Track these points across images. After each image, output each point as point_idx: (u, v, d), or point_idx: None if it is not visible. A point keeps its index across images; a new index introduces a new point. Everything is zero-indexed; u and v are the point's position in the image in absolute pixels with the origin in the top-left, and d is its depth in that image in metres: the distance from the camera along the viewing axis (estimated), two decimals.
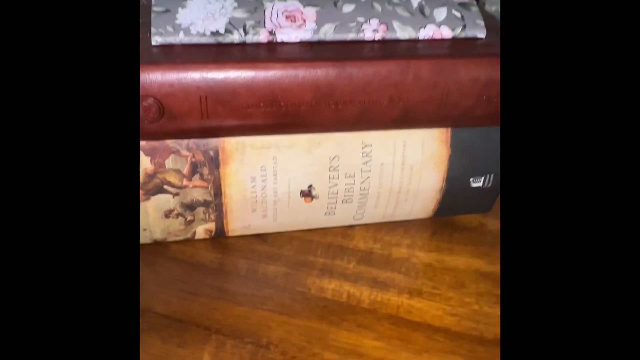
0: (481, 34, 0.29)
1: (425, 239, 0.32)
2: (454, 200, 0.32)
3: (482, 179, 0.32)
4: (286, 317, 0.27)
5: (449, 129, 0.30)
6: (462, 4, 0.29)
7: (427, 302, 0.28)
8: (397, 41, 0.28)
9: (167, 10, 0.27)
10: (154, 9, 0.27)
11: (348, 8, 0.28)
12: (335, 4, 0.28)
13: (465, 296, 0.29)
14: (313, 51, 0.26)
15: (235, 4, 0.27)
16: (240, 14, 0.27)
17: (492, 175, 0.32)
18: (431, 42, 0.28)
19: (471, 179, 0.31)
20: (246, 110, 0.26)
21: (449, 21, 0.28)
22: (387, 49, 0.27)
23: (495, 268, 0.30)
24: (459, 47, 0.28)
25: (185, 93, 0.25)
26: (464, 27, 0.28)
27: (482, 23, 0.29)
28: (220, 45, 0.26)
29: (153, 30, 0.26)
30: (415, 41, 0.28)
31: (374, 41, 0.28)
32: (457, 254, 0.31)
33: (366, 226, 0.33)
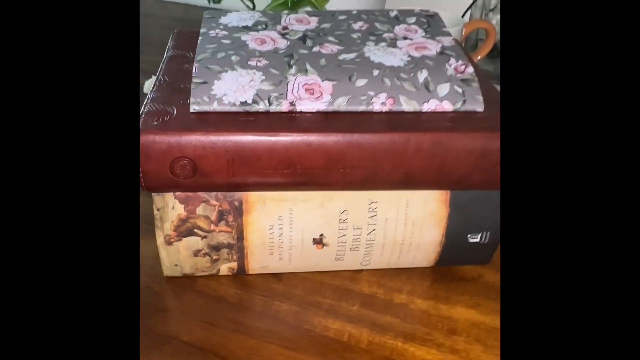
0: (480, 108, 0.32)
1: (425, 287, 0.35)
2: (453, 253, 0.35)
3: (479, 235, 0.35)
4: (293, 353, 0.30)
5: (449, 191, 0.33)
6: (464, 80, 0.33)
7: (420, 346, 0.31)
8: (403, 113, 0.32)
9: (204, 82, 0.31)
10: (194, 80, 0.31)
11: (361, 82, 0.32)
12: (350, 79, 0.32)
13: (457, 344, 0.32)
14: (327, 121, 0.30)
15: (263, 77, 0.32)
16: (266, 86, 0.31)
17: (488, 232, 0.35)
18: (433, 114, 0.32)
19: (469, 235, 0.35)
20: (266, 171, 0.30)
21: (450, 96, 0.32)
22: (393, 120, 0.31)
23: (487, 318, 0.33)
24: (457, 121, 0.31)
25: (215, 155, 0.29)
26: (464, 101, 0.32)
27: (480, 98, 0.32)
28: (247, 113, 0.31)
29: (192, 99, 0.30)
30: (419, 113, 0.32)
31: (381, 112, 0.32)
32: (453, 302, 0.34)
33: (372, 271, 0.36)
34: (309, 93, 0.31)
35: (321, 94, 0.31)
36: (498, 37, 0.62)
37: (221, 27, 0.37)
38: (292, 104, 0.31)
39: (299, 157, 0.30)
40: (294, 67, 0.32)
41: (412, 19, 0.39)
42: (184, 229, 0.33)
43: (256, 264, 0.35)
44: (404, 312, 0.33)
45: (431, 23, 0.39)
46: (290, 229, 0.33)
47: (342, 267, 0.36)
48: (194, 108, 0.30)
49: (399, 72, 0.33)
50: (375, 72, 0.33)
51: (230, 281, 0.35)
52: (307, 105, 0.31)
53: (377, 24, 0.38)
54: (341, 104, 0.31)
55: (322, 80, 0.32)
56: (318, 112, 0.31)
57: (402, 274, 0.36)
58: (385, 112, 0.32)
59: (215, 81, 0.31)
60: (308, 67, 0.33)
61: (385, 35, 0.36)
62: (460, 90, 0.32)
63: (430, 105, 0.32)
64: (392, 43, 0.36)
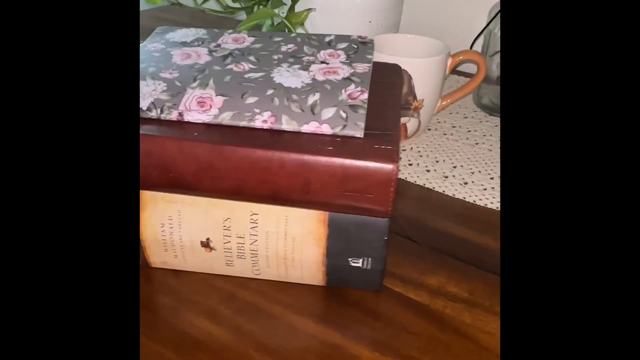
0: (358, 134, 0.33)
1: (305, 303, 0.36)
2: (339, 274, 0.36)
3: (361, 260, 0.35)
4: (147, 340, 0.33)
5: (328, 212, 0.34)
6: (352, 106, 0.34)
7: (271, 357, 0.32)
8: (282, 132, 0.33)
9: None
10: None
11: (251, 100, 0.34)
12: (242, 96, 0.34)
13: None
14: (205, 132, 0.33)
15: (165, 88, 0.35)
16: (164, 96, 0.34)
17: (369, 259, 0.35)
18: (311, 136, 0.33)
19: (350, 259, 0.35)
20: (147, 171, 0.33)
21: (332, 120, 0.33)
22: (267, 137, 0.32)
23: (346, 342, 0.33)
24: (330, 144, 0.32)
25: None
26: (344, 126, 0.33)
27: (361, 125, 0.33)
28: (141, 119, 0.34)
29: None
30: (299, 134, 0.33)
31: (262, 129, 0.33)
32: (324, 322, 0.35)
33: (264, 281, 0.38)
34: (200, 105, 0.34)
35: (210, 107, 0.34)
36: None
37: (162, 41, 0.41)
38: (180, 114, 0.34)
39: (172, 161, 0.32)
40: (198, 81, 0.35)
41: (344, 45, 0.40)
42: None
43: (156, 259, 0.38)
44: (272, 324, 0.34)
45: (360, 49, 0.39)
46: (179, 229, 0.36)
47: (236, 273, 0.38)
48: None
49: (292, 93, 0.34)
50: (269, 92, 0.34)
51: None
52: (194, 116, 0.34)
53: (305, 47, 0.40)
54: (225, 118, 0.33)
55: (216, 95, 0.34)
56: (203, 124, 0.34)
57: (292, 288, 0.37)
58: (266, 130, 0.33)
59: None
60: (210, 82, 0.35)
61: (305, 58, 0.38)
62: (344, 115, 0.33)
63: (310, 127, 0.33)
64: (306, 66, 0.37)
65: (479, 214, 0.45)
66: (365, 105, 0.34)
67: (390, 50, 0.56)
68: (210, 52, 0.39)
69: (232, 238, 0.35)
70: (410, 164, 0.52)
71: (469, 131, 0.59)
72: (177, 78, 0.36)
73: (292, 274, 0.37)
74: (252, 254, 0.36)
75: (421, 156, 0.54)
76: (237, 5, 0.64)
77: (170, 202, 0.35)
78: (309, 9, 0.55)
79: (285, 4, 0.59)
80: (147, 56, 0.38)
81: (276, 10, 0.54)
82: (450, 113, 0.63)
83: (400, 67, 0.43)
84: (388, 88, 0.39)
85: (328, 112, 0.33)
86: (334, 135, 0.33)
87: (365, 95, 0.34)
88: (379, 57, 0.51)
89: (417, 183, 0.49)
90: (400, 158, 0.53)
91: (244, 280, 0.38)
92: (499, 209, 0.46)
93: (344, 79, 0.36)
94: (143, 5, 0.82)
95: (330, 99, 0.34)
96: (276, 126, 0.33)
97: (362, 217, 0.34)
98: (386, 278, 0.38)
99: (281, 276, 0.37)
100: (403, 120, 0.54)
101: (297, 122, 0.33)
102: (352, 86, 0.35)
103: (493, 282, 0.38)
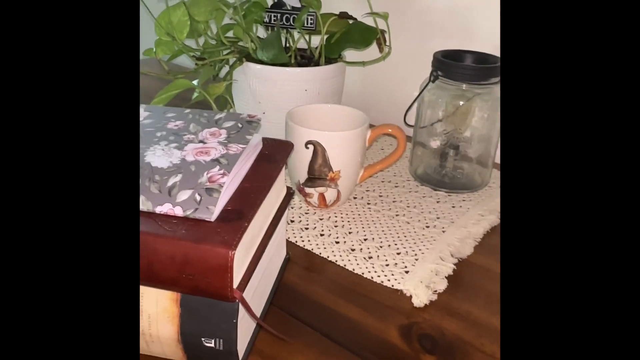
0: (209, 217, 0.34)
1: None
2: (197, 353, 0.36)
3: (213, 341, 0.35)
4: None
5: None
6: (208, 189, 0.35)
7: None
8: (139, 212, 0.34)
9: None
10: None
11: None
12: None
13: None
14: None
15: None
16: None
17: (220, 340, 0.35)
18: (165, 217, 0.34)
19: (203, 339, 0.35)
20: None
21: (186, 202, 0.34)
22: None
23: None
24: (179, 226, 0.33)
25: None
26: (196, 209, 0.34)
27: (213, 209, 0.34)
28: None
29: None
30: (152, 214, 0.34)
31: None
32: None
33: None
34: None
35: None
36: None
37: None
38: None
39: None
40: None
41: (230, 123, 0.42)
42: None
43: None
44: None
45: (244, 128, 0.41)
46: None
47: None
48: None
49: (156, 174, 0.36)
50: None
51: None
52: None
53: (192, 125, 0.41)
54: None
55: None
56: None
57: None
58: None
59: None
60: None
61: (186, 136, 0.40)
62: (198, 198, 0.34)
63: (163, 208, 0.34)
64: (182, 145, 0.38)
65: (372, 292, 0.45)
66: (221, 189, 0.35)
67: (310, 121, 0.57)
68: None
69: None
70: (322, 234, 0.53)
71: (393, 201, 0.59)
72: None
73: (154, 349, 0.37)
74: None
75: (336, 226, 0.54)
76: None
77: None
78: (228, 81, 0.57)
79: (219, 73, 0.62)
80: None
81: (196, 82, 0.56)
82: (382, 181, 0.63)
83: (292, 145, 0.44)
84: (268, 167, 0.40)
85: (184, 195, 0.34)
86: (185, 218, 0.34)
87: (225, 179, 0.35)
88: (295, 129, 0.53)
89: (322, 255, 0.50)
90: (305, 228, 0.54)
91: None
92: (394, 287, 0.46)
93: (212, 160, 0.37)
94: None
95: (190, 181, 0.35)
96: None
97: (211, 300, 0.34)
98: (253, 356, 0.38)
99: (144, 349, 0.37)
100: (320, 190, 0.55)
101: (152, 203, 0.34)
102: (217, 168, 0.36)
103: None
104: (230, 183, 0.36)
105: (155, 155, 0.37)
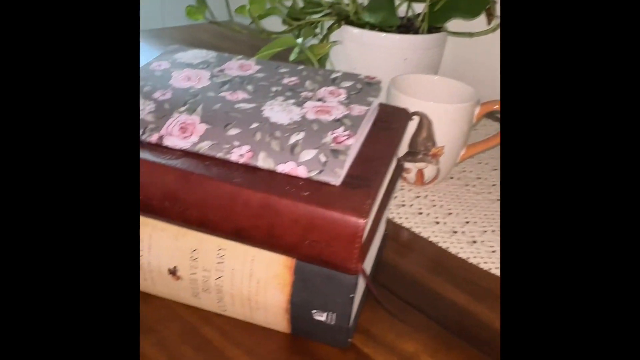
0: (335, 181, 0.31)
1: (266, 349, 0.34)
2: (304, 325, 0.34)
3: (325, 314, 0.33)
4: None
5: (295, 259, 0.32)
6: (334, 150, 0.32)
7: None
8: (257, 169, 0.32)
9: None
10: None
11: (233, 131, 0.33)
12: (225, 126, 0.33)
13: None
14: (179, 160, 0.32)
15: (153, 109, 0.34)
16: (150, 117, 0.34)
17: (334, 314, 0.32)
18: (286, 177, 0.31)
19: (314, 311, 0.33)
20: None
21: (310, 163, 0.31)
22: (240, 173, 0.31)
23: None
24: (302, 188, 0.30)
25: None
26: (321, 171, 0.31)
27: (340, 172, 0.31)
28: None
29: None
30: (274, 173, 0.31)
31: (238, 164, 0.32)
32: None
33: (230, 319, 0.36)
34: (181, 131, 0.33)
35: (191, 134, 0.33)
36: None
37: (169, 61, 0.40)
38: (160, 137, 0.33)
39: (142, 185, 0.32)
40: (187, 105, 0.35)
41: (348, 83, 0.38)
42: None
43: None
44: None
45: (363, 90, 0.38)
46: (149, 253, 0.35)
47: (202, 306, 0.36)
48: None
49: (276, 130, 0.33)
50: (253, 125, 0.33)
51: None
52: (174, 141, 0.33)
53: (307, 82, 0.38)
54: (203, 147, 0.32)
55: (200, 122, 0.33)
56: (181, 150, 0.33)
57: (257, 331, 0.35)
58: (241, 164, 0.32)
59: None
60: (199, 108, 0.34)
61: (303, 93, 0.37)
62: (323, 159, 0.31)
63: (285, 167, 0.31)
64: (301, 102, 0.36)
65: (479, 279, 0.42)
66: (349, 151, 0.32)
67: (414, 92, 0.54)
68: (212, 76, 0.38)
69: (199, 270, 0.34)
70: (420, 213, 0.49)
71: (493, 185, 0.55)
72: (168, 100, 0.35)
73: (257, 317, 0.35)
74: (218, 289, 0.34)
75: (434, 206, 0.51)
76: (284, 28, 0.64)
77: (143, 225, 0.34)
78: (334, 42, 0.54)
79: (319, 33, 0.59)
80: (147, 75, 0.38)
81: (300, 40, 0.53)
82: (479, 163, 0.59)
83: (409, 113, 0.40)
84: (387, 134, 0.37)
85: (307, 154, 0.32)
86: (308, 180, 0.31)
87: (352, 141, 0.32)
88: (400, 99, 0.49)
89: (422, 235, 0.46)
90: (402, 205, 0.50)
91: (209, 314, 0.36)
92: None
93: (335, 120, 0.34)
94: (183, 21, 0.84)
95: (313, 140, 0.32)
96: (252, 162, 0.32)
97: (329, 270, 0.31)
98: (358, 335, 0.36)
99: (246, 317, 0.35)
100: (420, 166, 0.51)
101: (273, 161, 0.32)
102: (341, 129, 0.33)
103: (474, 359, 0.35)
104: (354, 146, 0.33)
105: (274, 111, 0.34)
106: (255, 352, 0.34)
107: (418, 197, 0.52)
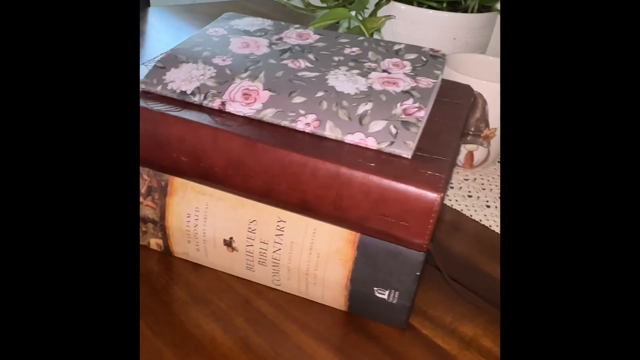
0: (406, 154, 0.29)
1: (322, 326, 0.33)
2: (363, 303, 0.33)
3: (387, 292, 0.31)
4: (151, 334, 0.31)
5: (359, 233, 0.31)
6: (405, 122, 0.30)
7: None
8: (325, 139, 0.30)
9: (163, 67, 0.34)
10: (157, 64, 0.34)
11: (298, 100, 0.32)
12: (290, 94, 0.32)
13: None
14: (243, 126, 0.31)
15: (214, 75, 0.33)
16: (211, 82, 0.33)
17: (396, 292, 0.31)
18: (354, 147, 0.30)
19: (375, 289, 0.32)
20: (179, 158, 0.32)
21: (380, 134, 0.30)
22: (306, 142, 0.30)
23: None
24: (372, 159, 0.29)
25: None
26: (392, 143, 0.30)
27: (411, 144, 0.29)
28: (182, 102, 0.32)
29: (142, 79, 0.33)
30: (341, 143, 0.30)
31: (304, 133, 0.31)
32: (334, 350, 0.32)
33: (284, 294, 0.35)
34: (244, 97, 0.32)
35: (255, 100, 0.32)
36: None
37: (225, 27, 0.39)
38: (223, 103, 0.32)
39: (203, 151, 0.31)
40: (248, 72, 0.33)
41: (412, 56, 0.37)
42: None
43: (179, 248, 0.36)
44: (281, 342, 0.32)
45: (428, 63, 0.36)
46: (204, 223, 0.34)
47: (255, 279, 0.35)
48: (141, 87, 0.33)
49: (343, 99, 0.32)
50: (319, 94, 0.32)
51: (158, 257, 0.37)
52: (237, 108, 0.32)
53: (370, 53, 0.37)
54: (267, 115, 0.31)
55: (263, 89, 0.32)
56: (244, 117, 0.32)
57: (311, 307, 0.34)
58: (307, 134, 0.31)
59: (173, 68, 0.34)
60: (261, 75, 0.33)
61: (367, 64, 0.35)
62: (394, 130, 0.30)
63: (354, 138, 0.30)
64: (365, 73, 0.34)
65: None
66: (420, 124, 0.30)
67: (468, 70, 0.52)
68: (271, 44, 0.37)
69: (256, 242, 0.33)
70: (469, 196, 0.48)
71: None
72: (229, 66, 0.34)
73: (313, 292, 0.34)
74: (274, 262, 0.33)
75: (484, 189, 0.49)
76: (323, 4, 0.63)
77: (199, 193, 0.33)
78: (388, 15, 0.52)
79: (368, 9, 0.57)
80: (205, 40, 0.37)
81: (354, 14, 0.51)
82: None
83: (472, 90, 0.39)
84: (451, 109, 0.35)
85: (377, 125, 0.30)
86: (378, 151, 0.30)
87: (422, 113, 0.31)
88: (454, 77, 0.48)
89: (473, 218, 0.45)
90: (451, 187, 0.49)
91: (262, 288, 0.35)
92: None
93: (403, 92, 0.33)
94: None
95: (382, 111, 0.31)
96: (318, 131, 0.31)
97: (395, 246, 0.30)
98: (415, 316, 0.35)
99: (301, 292, 0.34)
100: (470, 147, 0.50)
101: (341, 131, 0.30)
102: (410, 101, 0.32)
103: None
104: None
105: (339, 80, 0.33)
106: (310, 327, 0.33)
107: (467, 179, 0.50)
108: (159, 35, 0.77)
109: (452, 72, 0.48)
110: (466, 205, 0.47)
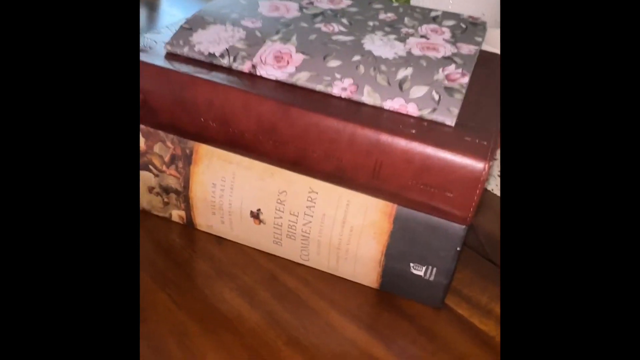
0: (449, 121, 0.28)
1: (351, 305, 0.31)
2: (397, 280, 0.31)
3: (424, 268, 0.30)
4: (175, 307, 0.30)
5: (395, 205, 0.29)
6: (448, 88, 0.29)
7: (295, 353, 0.28)
8: (361, 104, 0.29)
9: (190, 29, 0.32)
10: (183, 25, 0.32)
11: (334, 63, 0.30)
12: (324, 57, 0.30)
13: None
14: (275, 90, 0.29)
15: (243, 36, 0.31)
16: (240, 44, 0.31)
17: (434, 269, 0.30)
18: (393, 114, 0.28)
19: (412, 265, 0.30)
20: (202, 121, 0.30)
21: (422, 100, 0.28)
22: (343, 107, 0.28)
23: (382, 355, 0.29)
24: (413, 126, 0.27)
25: (160, 94, 0.30)
26: (434, 110, 0.28)
27: (454, 111, 0.28)
28: (210, 64, 0.31)
29: (169, 40, 0.32)
30: (380, 110, 0.28)
31: (339, 98, 0.29)
32: (365, 329, 0.30)
33: (312, 270, 0.34)
34: (276, 60, 0.30)
35: (287, 63, 0.30)
36: None
37: None
38: (253, 66, 0.30)
39: (232, 115, 0.29)
40: (280, 34, 0.32)
41: (451, 22, 0.35)
42: (142, 162, 0.34)
43: (202, 220, 0.35)
44: (310, 318, 0.30)
45: (469, 30, 0.34)
46: (230, 193, 0.32)
47: (283, 254, 0.34)
48: (167, 48, 0.32)
49: (381, 64, 0.30)
50: (355, 58, 0.30)
51: (179, 230, 0.36)
52: (268, 71, 0.30)
53: (406, 19, 0.35)
54: (301, 78, 0.29)
55: (296, 52, 0.30)
56: (276, 80, 0.30)
57: (340, 283, 0.33)
58: (343, 99, 0.29)
59: (200, 30, 0.32)
60: (293, 38, 0.31)
61: (403, 29, 0.33)
62: (437, 97, 0.28)
63: (394, 104, 0.28)
64: (403, 38, 0.32)
65: None
66: (464, 91, 0.29)
67: (497, 46, 0.50)
68: (301, 8, 0.35)
69: (285, 214, 0.31)
70: (499, 176, 0.46)
71: None
72: (259, 28, 0.32)
73: (343, 268, 0.32)
74: (303, 236, 0.32)
75: None
76: None
77: (226, 162, 0.32)
78: None
79: None
80: (232, 2, 0.35)
81: None
82: None
83: None
84: (491, 79, 0.33)
85: (418, 91, 0.28)
86: (419, 118, 0.28)
87: (466, 79, 0.29)
88: (490, 49, 0.46)
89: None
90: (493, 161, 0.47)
91: (289, 263, 0.34)
92: None
93: (445, 57, 0.31)
94: None
95: (424, 76, 0.29)
96: (355, 97, 0.29)
97: (434, 219, 0.29)
98: (450, 295, 0.33)
99: (331, 268, 0.33)
100: None
101: (380, 96, 0.29)
102: (452, 67, 0.30)
103: None
104: None
105: (375, 45, 0.31)
106: (340, 304, 0.31)
107: (496, 159, 0.49)
108: (172, 10, 0.76)
109: (487, 46, 0.46)
110: (497, 185, 0.45)
